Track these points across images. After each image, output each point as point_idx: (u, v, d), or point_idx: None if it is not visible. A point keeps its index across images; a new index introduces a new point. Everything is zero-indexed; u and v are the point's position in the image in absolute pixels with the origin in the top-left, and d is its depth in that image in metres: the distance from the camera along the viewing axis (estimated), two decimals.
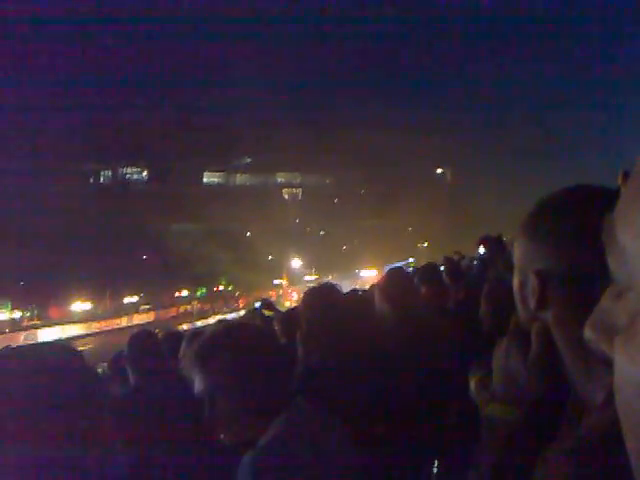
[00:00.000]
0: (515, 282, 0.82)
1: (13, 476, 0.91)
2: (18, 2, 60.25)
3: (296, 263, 59.68)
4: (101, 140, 64.77)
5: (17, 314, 42.14)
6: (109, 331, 39.92)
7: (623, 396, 0.39)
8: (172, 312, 48.73)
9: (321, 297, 2.25)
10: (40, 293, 42.03)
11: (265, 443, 1.32)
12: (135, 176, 74.44)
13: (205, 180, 78.34)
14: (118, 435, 2.14)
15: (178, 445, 2.20)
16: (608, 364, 0.40)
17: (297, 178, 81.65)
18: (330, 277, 62.76)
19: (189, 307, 50.05)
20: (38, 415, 0.90)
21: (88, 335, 39.28)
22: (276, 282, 59.39)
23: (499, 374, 0.86)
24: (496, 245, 5.33)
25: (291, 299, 47.72)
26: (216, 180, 79.41)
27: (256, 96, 70.59)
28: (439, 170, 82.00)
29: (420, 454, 2.63)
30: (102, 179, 72.52)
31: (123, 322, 43.83)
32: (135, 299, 51.80)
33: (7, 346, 1.18)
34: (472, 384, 1.47)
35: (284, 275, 58.63)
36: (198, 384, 1.38)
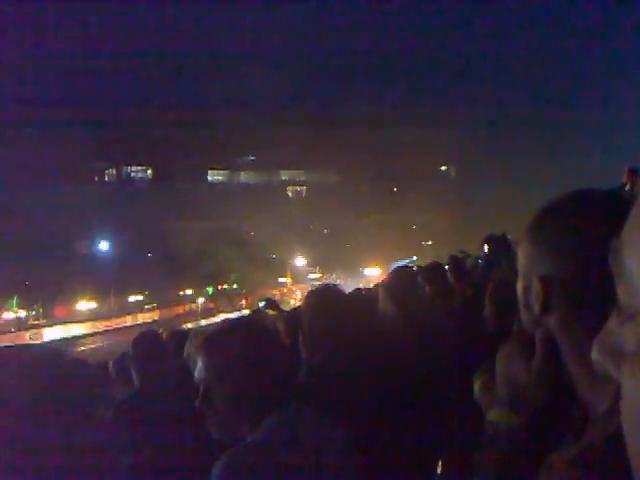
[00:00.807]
0: (519, 287, 0.82)
1: None
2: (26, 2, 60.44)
3: (300, 261, 59.73)
4: (106, 139, 64.93)
5: (22, 313, 42.35)
6: (114, 330, 40.05)
7: (630, 419, 0.39)
8: (177, 311, 48.85)
9: (323, 299, 2.24)
10: (45, 292, 42.20)
11: (248, 442, 1.31)
12: (140, 174, 74.65)
13: (209, 178, 78.49)
14: (122, 436, 2.16)
15: (182, 447, 2.21)
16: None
17: (301, 176, 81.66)
18: (334, 275, 62.89)
19: (194, 305, 50.15)
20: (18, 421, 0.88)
21: (93, 334, 39.45)
22: (280, 280, 59.46)
23: (501, 379, 0.86)
24: (501, 245, 5.30)
25: (295, 297, 47.81)
26: (220, 178, 79.55)
27: (260, 94, 70.65)
28: (443, 167, 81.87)
29: (424, 455, 2.63)
30: (107, 177, 72.77)
31: (128, 321, 43.97)
32: (140, 298, 51.92)
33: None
34: (476, 387, 1.46)
35: (288, 273, 58.68)
36: (197, 373, 1.40)
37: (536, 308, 0.77)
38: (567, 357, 0.76)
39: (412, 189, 68.18)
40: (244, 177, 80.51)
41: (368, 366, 2.20)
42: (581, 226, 0.74)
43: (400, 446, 2.24)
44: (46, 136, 57.62)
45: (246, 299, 53.47)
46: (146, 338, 2.71)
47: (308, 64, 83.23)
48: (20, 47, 59.33)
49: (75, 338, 37.27)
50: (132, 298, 51.34)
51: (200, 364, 1.40)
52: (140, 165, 73.95)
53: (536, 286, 0.76)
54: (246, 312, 39.43)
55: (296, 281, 57.24)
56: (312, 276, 56.81)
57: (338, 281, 59.16)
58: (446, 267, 4.69)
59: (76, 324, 41.04)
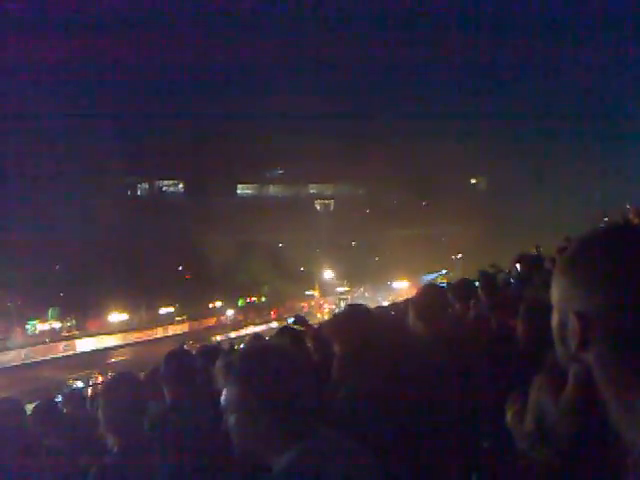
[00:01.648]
0: (554, 321, 0.81)
1: None
2: (54, 8, 62.28)
3: (328, 274, 59.62)
4: (138, 153, 66.33)
5: (57, 324, 43.25)
6: (145, 342, 40.58)
7: None
8: (206, 323, 49.27)
9: (353, 321, 2.23)
10: (79, 304, 43.04)
11: (272, 474, 1.30)
12: (171, 188, 75.94)
13: (239, 192, 79.34)
14: (158, 451, 2.18)
15: (212, 465, 2.22)
16: None
17: (329, 189, 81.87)
18: (362, 288, 62.61)
19: (223, 318, 50.50)
20: None
21: (125, 345, 40.03)
22: (308, 293, 59.44)
23: (532, 411, 0.85)
24: (533, 263, 5.21)
25: (323, 311, 47.70)
26: (249, 192, 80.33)
27: (289, 108, 71.24)
28: (474, 180, 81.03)
29: (454, 476, 2.59)
30: (139, 191, 74.25)
31: (159, 333, 44.51)
32: (171, 310, 52.56)
33: None
34: (509, 415, 1.44)
35: (316, 286, 58.62)
36: (224, 396, 1.42)
37: (572, 344, 0.75)
38: (605, 394, 0.74)
39: (442, 202, 67.59)
40: (273, 190, 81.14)
41: (400, 386, 2.18)
42: (619, 262, 0.72)
43: (430, 467, 2.21)
44: (78, 151, 59.10)
45: (275, 312, 53.63)
46: (177, 356, 2.74)
47: (337, 78, 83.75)
48: (52, 57, 60.96)
49: (107, 349, 37.90)
50: (163, 310, 51.97)
51: (224, 391, 1.42)
52: (172, 179, 75.30)
53: (572, 322, 0.75)
54: (275, 324, 39.58)
55: (324, 294, 57.12)
56: (340, 289, 56.62)
57: (366, 294, 58.98)
58: (476, 283, 4.63)
59: (108, 335, 41.75)
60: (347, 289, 57.14)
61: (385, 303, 11.57)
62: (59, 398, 7.11)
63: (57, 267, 47.88)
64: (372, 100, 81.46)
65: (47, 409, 3.77)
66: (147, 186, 74.66)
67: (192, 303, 51.71)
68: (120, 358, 33.74)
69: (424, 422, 2.22)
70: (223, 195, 72.07)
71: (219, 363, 2.97)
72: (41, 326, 42.03)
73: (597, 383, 0.75)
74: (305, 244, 62.99)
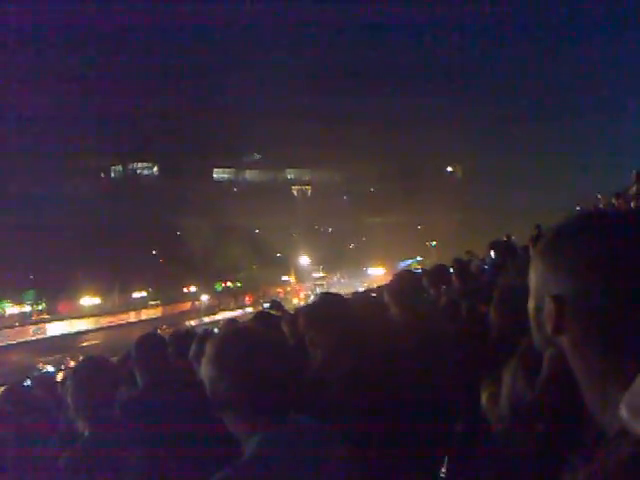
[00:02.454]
0: (530, 306, 0.82)
1: None
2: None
3: (304, 260, 59.65)
4: (112, 136, 65.10)
5: (27, 308, 42.51)
6: (117, 326, 40.16)
7: None
8: (180, 307, 48.96)
9: (325, 313, 2.23)
10: (50, 287, 42.35)
11: (243, 462, 1.29)
12: (145, 171, 74.79)
13: (215, 176, 78.57)
14: (129, 436, 2.15)
15: (187, 447, 2.20)
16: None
17: (306, 175, 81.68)
18: (338, 274, 62.85)
19: (197, 303, 50.22)
20: None
21: (97, 330, 39.55)
22: (284, 279, 59.46)
23: (507, 394, 0.86)
24: (507, 250, 5.27)
25: (299, 296, 47.79)
26: (226, 176, 79.62)
27: (266, 92, 70.66)
28: (449, 168, 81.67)
29: (428, 458, 2.61)
30: (113, 174, 72.96)
31: (132, 317, 44.09)
32: (144, 294, 52.05)
33: None
34: (484, 397, 1.46)
35: (292, 272, 58.65)
36: (202, 370, 1.42)
37: (548, 328, 0.76)
38: (579, 377, 0.75)
39: (418, 189, 68.05)
40: (250, 175, 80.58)
41: (371, 366, 2.19)
42: (596, 248, 0.73)
43: (403, 448, 2.23)
44: (52, 133, 57.75)
45: (250, 297, 53.52)
46: (147, 340, 2.70)
47: (315, 63, 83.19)
48: (26, 42, 59.43)
49: (78, 333, 37.40)
50: (136, 294, 51.45)
51: (201, 367, 1.42)
52: (146, 162, 74.13)
53: (548, 306, 0.76)
54: (250, 310, 39.42)
55: (300, 280, 57.20)
56: (316, 275, 56.75)
57: (342, 280, 59.23)
58: (451, 270, 4.67)
59: (80, 319, 41.19)
60: (323, 275, 57.28)
61: (361, 289, 11.70)
62: (28, 382, 6.98)
63: (27, 249, 46.93)
64: (350, 87, 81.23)
65: (17, 392, 3.69)
66: (121, 169, 73.35)
67: (166, 287, 51.33)
68: (92, 342, 33.33)
69: (397, 406, 2.23)
70: (199, 179, 71.28)
71: (194, 347, 2.95)
72: (10, 309, 41.25)
73: (571, 367, 0.76)
74: (282, 230, 62.84)
